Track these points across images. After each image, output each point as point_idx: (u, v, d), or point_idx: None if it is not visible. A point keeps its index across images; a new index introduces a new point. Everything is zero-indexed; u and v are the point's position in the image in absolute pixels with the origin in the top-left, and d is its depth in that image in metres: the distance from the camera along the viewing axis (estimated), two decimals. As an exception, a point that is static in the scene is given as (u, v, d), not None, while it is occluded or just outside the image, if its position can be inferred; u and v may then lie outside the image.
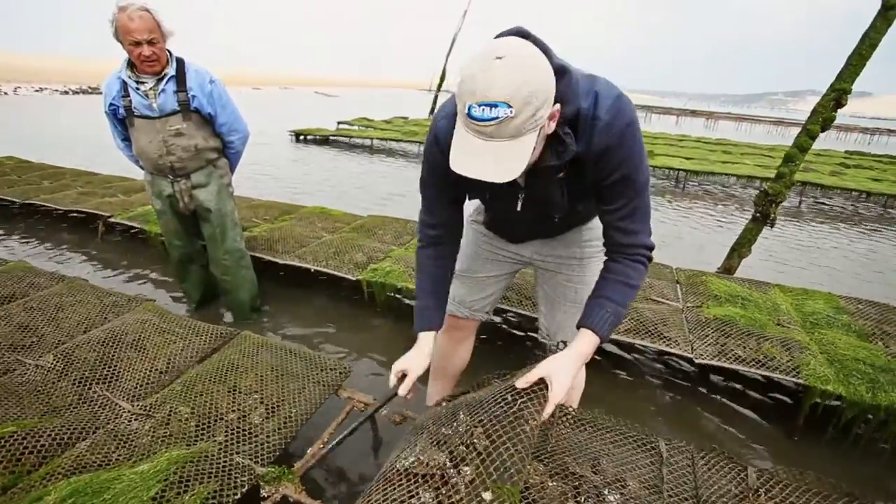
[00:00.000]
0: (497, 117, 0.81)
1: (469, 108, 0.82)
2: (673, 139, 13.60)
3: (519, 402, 1.04)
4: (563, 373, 1.05)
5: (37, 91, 20.78)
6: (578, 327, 1.11)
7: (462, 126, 0.88)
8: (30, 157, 5.77)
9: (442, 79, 17.76)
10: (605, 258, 1.17)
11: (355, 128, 12.39)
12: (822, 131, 2.79)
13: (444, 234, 1.28)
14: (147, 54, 1.97)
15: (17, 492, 1.17)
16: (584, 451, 1.36)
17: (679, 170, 8.13)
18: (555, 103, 0.88)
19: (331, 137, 11.11)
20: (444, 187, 1.20)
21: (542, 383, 1.07)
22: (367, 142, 11.07)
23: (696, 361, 2.01)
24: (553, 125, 0.92)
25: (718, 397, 2.23)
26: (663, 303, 2.49)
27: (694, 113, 33.41)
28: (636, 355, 2.53)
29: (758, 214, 3.05)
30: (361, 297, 2.83)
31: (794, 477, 1.26)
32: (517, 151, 0.85)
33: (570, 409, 1.48)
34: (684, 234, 5.21)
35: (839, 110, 2.72)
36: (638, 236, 1.10)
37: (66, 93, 21.33)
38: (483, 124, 0.82)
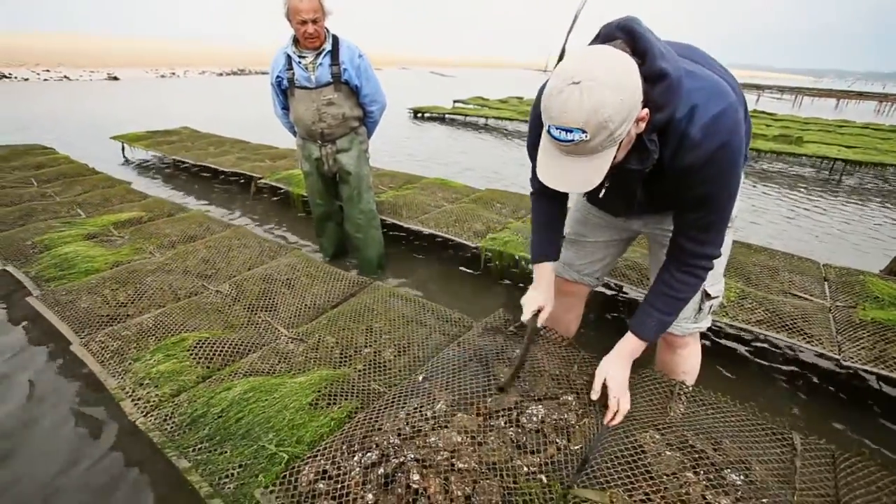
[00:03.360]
0: (572, 140, 0.84)
1: (549, 127, 0.87)
2: (830, 124, 11.72)
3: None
4: (616, 372, 1.24)
5: (200, 74, 24.13)
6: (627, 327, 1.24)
7: (545, 137, 0.92)
8: (199, 127, 6.78)
9: (560, 59, 17.07)
10: (665, 257, 1.20)
11: (471, 106, 12.52)
12: None
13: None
14: (311, 32, 2.22)
15: (212, 381, 1.47)
16: (705, 429, 1.33)
17: (836, 159, 7.01)
18: (646, 107, 0.88)
19: (447, 115, 11.39)
20: None
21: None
22: (482, 120, 11.15)
23: (844, 363, 1.81)
24: (642, 126, 0.91)
25: (864, 407, 1.99)
26: (806, 299, 2.24)
27: (861, 95, 27.89)
28: (766, 347, 2.33)
29: (943, 210, 2.58)
30: (475, 264, 2.95)
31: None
32: (595, 166, 0.89)
33: (690, 388, 1.45)
34: (835, 232, 4.55)
35: None
36: (704, 247, 1.12)
37: (221, 75, 24.49)
38: (561, 144, 0.87)
